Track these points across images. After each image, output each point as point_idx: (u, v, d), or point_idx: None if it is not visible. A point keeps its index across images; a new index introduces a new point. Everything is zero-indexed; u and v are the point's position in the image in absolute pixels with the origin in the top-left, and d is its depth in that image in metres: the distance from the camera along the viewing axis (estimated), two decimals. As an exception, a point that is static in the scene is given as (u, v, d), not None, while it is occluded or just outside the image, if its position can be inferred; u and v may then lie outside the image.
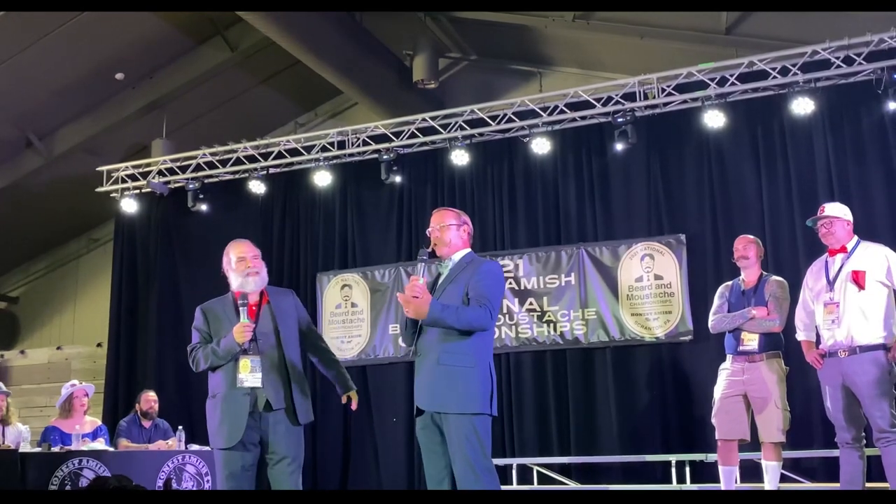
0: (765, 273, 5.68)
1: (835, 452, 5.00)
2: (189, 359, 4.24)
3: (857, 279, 4.78)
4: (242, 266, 4.20)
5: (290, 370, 4.13)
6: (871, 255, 4.86)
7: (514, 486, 7.53)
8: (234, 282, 4.24)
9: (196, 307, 4.35)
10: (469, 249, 4.09)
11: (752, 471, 6.12)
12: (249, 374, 4.04)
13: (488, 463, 3.80)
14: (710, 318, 5.72)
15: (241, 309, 4.09)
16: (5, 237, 11.09)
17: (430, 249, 3.99)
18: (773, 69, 7.32)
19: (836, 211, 5.01)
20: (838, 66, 7.12)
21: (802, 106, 7.19)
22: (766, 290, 5.51)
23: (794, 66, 7.24)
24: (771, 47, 7.48)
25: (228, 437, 4.02)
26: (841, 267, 4.90)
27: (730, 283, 5.80)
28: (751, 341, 5.40)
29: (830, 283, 4.91)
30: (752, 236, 5.83)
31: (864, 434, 4.87)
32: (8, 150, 9.85)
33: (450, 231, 4.02)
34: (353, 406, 4.38)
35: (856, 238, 4.99)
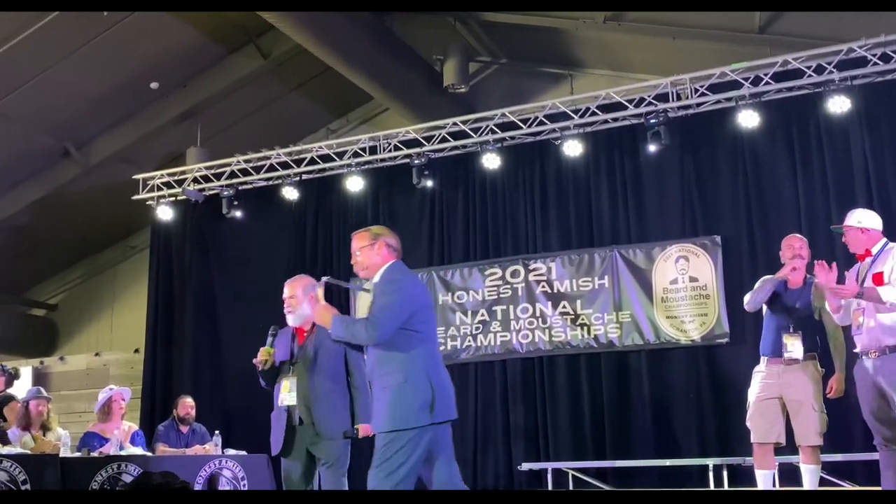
0: (808, 275, 5.56)
1: (875, 455, 4.93)
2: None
3: (877, 281, 4.74)
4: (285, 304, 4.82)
5: (313, 392, 4.66)
6: (890, 256, 4.81)
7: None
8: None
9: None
10: (391, 261, 3.99)
11: (790, 474, 6.02)
12: (287, 394, 4.70)
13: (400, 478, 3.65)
14: (746, 297, 5.59)
15: (269, 337, 4.77)
16: (44, 246, 11.27)
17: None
18: (808, 68, 7.24)
19: (850, 220, 4.98)
20: (875, 64, 7.03)
21: (838, 104, 7.11)
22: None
23: (829, 64, 7.15)
24: (805, 45, 7.39)
25: (275, 446, 4.75)
26: (868, 270, 4.87)
27: (770, 276, 5.61)
28: (794, 346, 5.32)
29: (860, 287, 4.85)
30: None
31: (901, 434, 4.79)
32: (46, 159, 10.01)
33: (364, 252, 4.01)
34: (359, 434, 4.68)
35: (883, 240, 4.92)
